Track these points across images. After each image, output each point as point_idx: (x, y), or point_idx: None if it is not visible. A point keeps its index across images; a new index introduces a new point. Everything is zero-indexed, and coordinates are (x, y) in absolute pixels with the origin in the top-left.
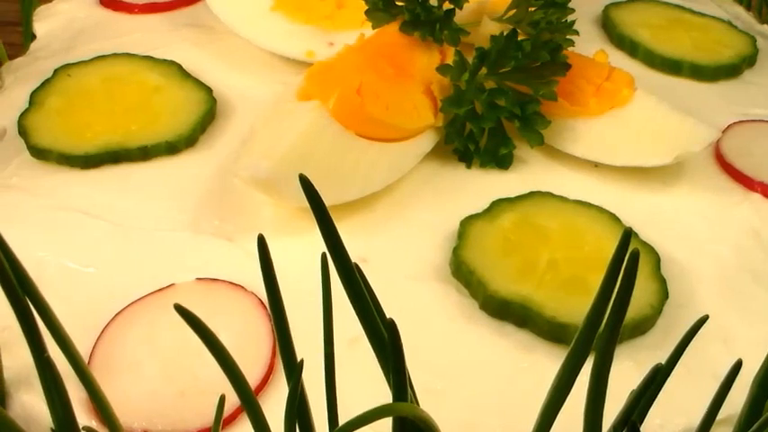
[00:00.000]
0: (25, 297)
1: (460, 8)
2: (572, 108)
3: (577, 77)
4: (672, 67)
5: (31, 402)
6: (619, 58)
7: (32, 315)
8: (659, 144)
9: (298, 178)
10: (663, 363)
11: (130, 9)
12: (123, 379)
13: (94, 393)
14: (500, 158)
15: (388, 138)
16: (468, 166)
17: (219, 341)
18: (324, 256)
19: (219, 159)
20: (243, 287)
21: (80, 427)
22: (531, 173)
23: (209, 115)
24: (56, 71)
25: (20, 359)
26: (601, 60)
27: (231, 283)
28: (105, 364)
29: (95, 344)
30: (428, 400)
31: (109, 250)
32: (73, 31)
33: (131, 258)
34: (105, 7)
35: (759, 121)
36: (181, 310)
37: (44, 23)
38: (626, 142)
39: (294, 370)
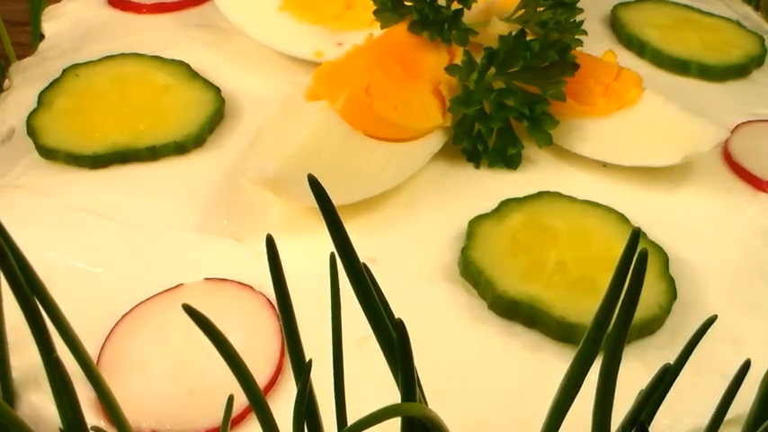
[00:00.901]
0: (33, 297)
1: (469, 8)
2: (580, 108)
3: (586, 77)
4: (680, 67)
5: (39, 402)
6: (627, 58)
7: (41, 315)
8: (668, 144)
9: (306, 178)
10: (671, 363)
11: (139, 9)
12: (132, 379)
13: (103, 393)
14: (508, 158)
15: (396, 138)
16: (477, 166)
17: (228, 341)
18: (332, 255)
19: (228, 159)
20: (251, 287)
21: (89, 427)
22: (539, 173)
23: (217, 115)
24: (64, 71)
25: (28, 359)
26: (609, 60)
27: (239, 283)
28: (114, 364)
29: (104, 344)
30: (436, 400)
31: (117, 250)
32: (81, 31)
33: (140, 258)
34: (113, 7)
35: (767, 121)
36: (189, 310)
37: (52, 23)
38: (634, 142)
39: (303, 370)
